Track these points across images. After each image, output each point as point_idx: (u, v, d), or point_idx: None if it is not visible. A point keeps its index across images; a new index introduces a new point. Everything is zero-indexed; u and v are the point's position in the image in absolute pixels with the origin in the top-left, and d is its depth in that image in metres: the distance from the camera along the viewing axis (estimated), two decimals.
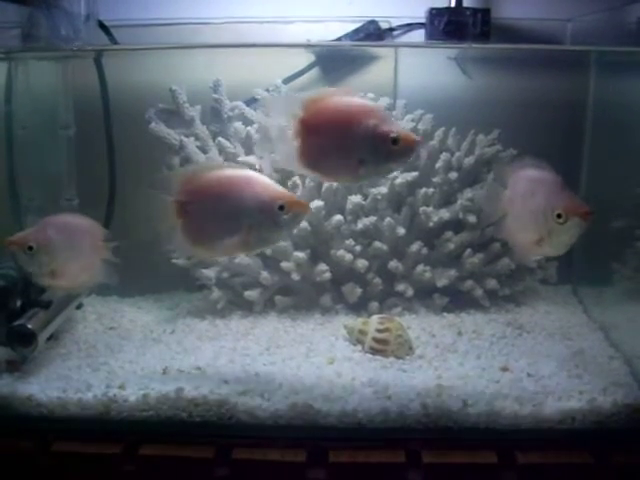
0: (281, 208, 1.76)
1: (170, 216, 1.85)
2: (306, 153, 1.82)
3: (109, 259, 2.07)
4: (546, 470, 1.82)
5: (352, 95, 1.82)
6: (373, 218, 2.51)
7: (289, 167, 2.04)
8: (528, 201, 1.88)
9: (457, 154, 2.54)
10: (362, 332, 2.27)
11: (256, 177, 1.82)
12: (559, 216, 1.78)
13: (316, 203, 2.44)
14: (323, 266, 2.51)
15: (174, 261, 2.56)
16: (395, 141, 1.73)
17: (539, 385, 2.01)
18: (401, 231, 2.50)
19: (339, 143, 1.78)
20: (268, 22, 2.43)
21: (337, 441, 1.89)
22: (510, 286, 2.62)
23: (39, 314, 2.15)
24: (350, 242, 2.50)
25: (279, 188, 1.81)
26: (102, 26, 2.44)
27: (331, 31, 2.55)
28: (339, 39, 2.53)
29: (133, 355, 2.25)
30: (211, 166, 1.86)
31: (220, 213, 1.81)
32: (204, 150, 2.56)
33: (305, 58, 2.71)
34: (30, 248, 1.97)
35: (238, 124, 2.56)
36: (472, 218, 2.50)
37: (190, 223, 1.84)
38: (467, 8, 2.44)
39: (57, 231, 2.01)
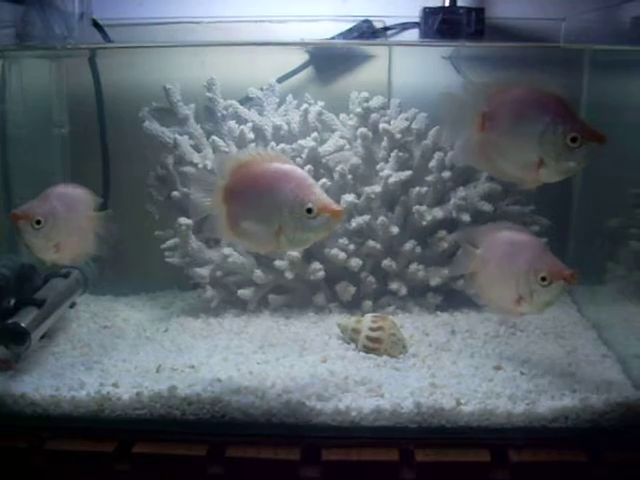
0: (310, 211, 1.73)
1: (217, 200, 1.83)
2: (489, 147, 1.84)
3: (101, 230, 2.07)
4: (539, 468, 1.83)
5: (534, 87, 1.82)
6: (367, 217, 2.51)
7: (469, 162, 2.08)
8: (508, 263, 1.92)
9: (450, 153, 2.54)
10: (355, 331, 2.28)
11: (297, 175, 1.78)
12: (544, 279, 1.83)
13: None
14: (317, 265, 2.51)
15: (168, 260, 2.56)
16: None
17: (532, 384, 2.01)
18: (395, 230, 2.50)
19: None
20: (262, 21, 2.43)
21: (330, 439, 1.89)
22: None
23: (32, 312, 2.14)
24: (344, 241, 2.50)
25: (315, 190, 1.75)
26: (96, 25, 2.43)
27: (325, 30, 2.55)
28: (333, 38, 2.53)
29: (126, 354, 2.25)
30: (262, 156, 1.81)
31: (257, 206, 1.79)
32: (198, 149, 2.56)
33: (299, 57, 2.71)
34: (38, 222, 1.95)
35: (232, 123, 2.56)
36: (465, 217, 2.50)
37: (233, 210, 1.82)
38: (461, 7, 2.44)
39: (60, 202, 2.00)
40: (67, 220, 2.00)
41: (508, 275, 1.91)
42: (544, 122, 1.75)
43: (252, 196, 1.79)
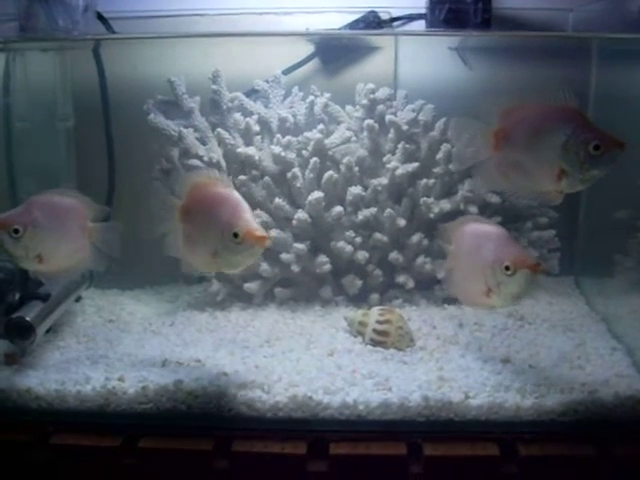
0: (236, 235, 1.76)
1: (174, 219, 1.91)
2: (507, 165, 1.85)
3: (98, 243, 2.01)
4: (548, 462, 1.81)
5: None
6: (373, 209, 2.50)
7: (490, 185, 2.16)
8: (475, 255, 1.92)
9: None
10: (362, 324, 2.27)
11: (231, 200, 1.83)
12: (507, 268, 1.81)
13: (316, 194, 2.43)
14: (323, 258, 2.51)
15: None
16: None
17: (541, 377, 1.99)
18: (401, 222, 2.49)
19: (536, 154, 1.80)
20: (268, 13, 2.41)
21: (337, 433, 1.88)
22: None
23: (38, 307, 2.14)
24: (350, 233, 2.49)
25: (245, 215, 1.79)
26: (100, 17, 2.42)
27: (331, 22, 2.53)
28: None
29: (132, 347, 2.24)
30: (212, 179, 1.89)
31: (201, 227, 1.86)
32: (203, 141, 2.55)
33: (305, 49, 2.69)
34: (16, 231, 1.88)
35: (237, 115, 2.55)
36: (473, 209, 2.49)
37: (186, 230, 1.90)
38: None
39: (44, 212, 1.92)
40: (51, 230, 1.92)
41: (476, 267, 1.91)
42: (565, 132, 1.74)
43: (198, 217, 1.87)
